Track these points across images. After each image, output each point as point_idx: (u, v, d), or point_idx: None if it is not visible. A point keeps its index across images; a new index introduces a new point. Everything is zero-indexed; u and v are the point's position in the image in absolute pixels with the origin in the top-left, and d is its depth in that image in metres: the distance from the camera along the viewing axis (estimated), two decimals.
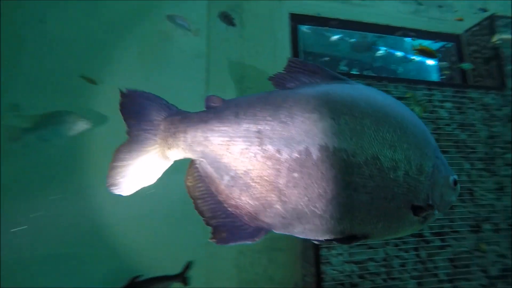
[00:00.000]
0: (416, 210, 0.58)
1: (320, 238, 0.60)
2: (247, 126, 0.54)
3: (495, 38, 4.00)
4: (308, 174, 0.51)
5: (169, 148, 0.59)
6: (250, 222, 0.53)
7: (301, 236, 0.60)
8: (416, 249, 3.23)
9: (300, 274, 3.22)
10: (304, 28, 4.62)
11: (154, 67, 3.27)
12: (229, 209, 0.53)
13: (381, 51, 6.15)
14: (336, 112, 0.53)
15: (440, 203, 0.62)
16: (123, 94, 0.63)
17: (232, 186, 0.54)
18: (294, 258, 3.22)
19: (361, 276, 3.04)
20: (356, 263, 3.05)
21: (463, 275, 3.30)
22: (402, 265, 3.17)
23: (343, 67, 6.01)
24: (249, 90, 3.28)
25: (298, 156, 0.51)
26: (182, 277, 2.66)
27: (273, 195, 0.52)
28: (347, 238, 0.59)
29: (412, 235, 3.24)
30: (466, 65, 4.23)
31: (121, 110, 0.62)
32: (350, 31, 4.52)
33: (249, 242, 0.56)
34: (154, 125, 0.58)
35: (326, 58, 5.71)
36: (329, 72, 0.61)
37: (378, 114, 0.56)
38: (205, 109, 0.63)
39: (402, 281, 3.14)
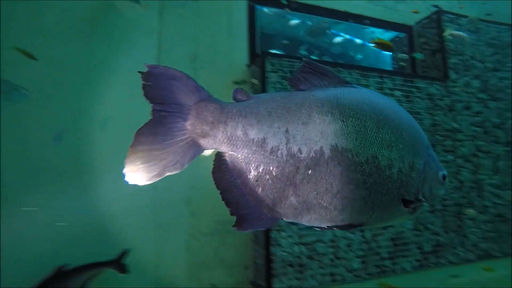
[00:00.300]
0: (406, 203, 0.65)
1: (323, 226, 0.66)
2: (278, 125, 0.58)
3: (447, 33, 4.20)
4: (319, 171, 0.58)
5: (203, 137, 0.57)
6: (268, 213, 0.60)
7: (306, 224, 0.66)
8: (362, 230, 3.41)
9: (251, 256, 3.27)
10: (266, 10, 4.53)
11: (100, 42, 3.03)
12: (252, 201, 0.58)
13: (340, 37, 6.24)
14: (345, 115, 0.59)
15: (429, 196, 0.68)
16: (145, 73, 0.57)
17: (257, 180, 0.58)
18: (245, 240, 3.26)
19: (309, 257, 3.16)
20: (305, 244, 3.15)
21: (401, 252, 3.56)
22: (349, 245, 3.34)
23: (303, 51, 6.02)
24: (201, 70, 3.17)
25: (314, 155, 0.58)
26: (117, 263, 2.54)
27: (290, 189, 0.59)
28: (346, 226, 0.65)
29: None
30: (418, 55, 4.43)
31: (144, 92, 0.56)
32: (310, 15, 4.52)
33: (262, 229, 0.60)
34: (184, 109, 0.55)
35: (286, 41, 5.68)
36: (337, 76, 0.66)
37: (379, 117, 0.63)
38: (233, 101, 0.63)
39: (347, 260, 3.31)
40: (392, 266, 3.50)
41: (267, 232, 3.02)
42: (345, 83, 0.67)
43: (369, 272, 3.40)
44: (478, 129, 4.28)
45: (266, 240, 3.01)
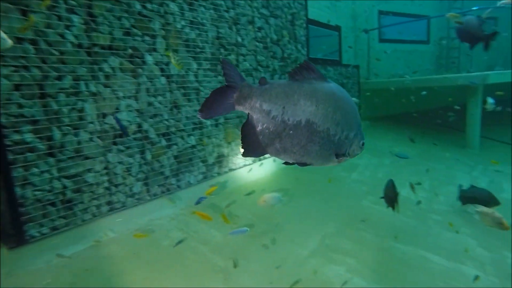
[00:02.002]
0: (338, 156, 1.04)
1: (290, 162, 1.02)
2: (280, 103, 0.94)
3: None
4: (296, 132, 0.96)
5: (238, 104, 0.94)
6: (262, 150, 0.97)
7: (280, 158, 1.01)
8: (142, 152, 3.17)
9: None
10: None
11: None
12: (255, 142, 0.96)
13: None
14: (317, 102, 0.95)
15: (351, 154, 1.07)
16: (222, 61, 0.93)
17: (261, 131, 0.95)
18: None
19: (77, 190, 2.71)
20: (68, 177, 2.66)
21: (186, 168, 3.62)
22: (127, 170, 3.06)
23: None
24: None
25: (295, 123, 0.95)
26: None
27: (277, 139, 0.96)
28: (302, 164, 1.02)
29: (136, 139, 3.13)
30: None
31: (223, 70, 0.93)
32: None
33: (256, 157, 1.06)
34: (236, 86, 0.93)
35: None
36: (320, 73, 0.98)
37: (336, 104, 0.98)
38: (258, 84, 0.96)
39: (127, 185, 3.08)
40: (177, 182, 3.53)
41: (7, 171, 2.32)
42: (323, 79, 0.99)
43: (154, 193, 3.31)
44: (259, 44, 4.53)
45: (5, 181, 2.33)
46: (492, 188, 3.70)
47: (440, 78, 6.70)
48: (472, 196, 2.79)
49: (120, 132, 2.94)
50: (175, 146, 3.48)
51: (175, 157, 3.50)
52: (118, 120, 2.89)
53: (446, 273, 2.72)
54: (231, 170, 4.18)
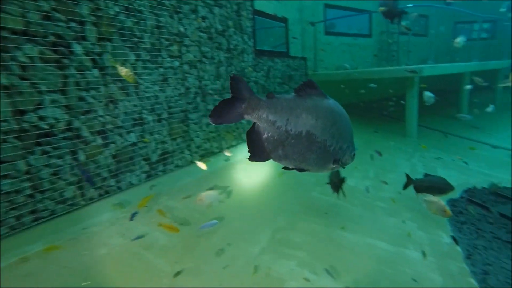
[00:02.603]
0: (333, 163, 1.15)
1: (290, 167, 1.14)
2: (285, 115, 1.05)
3: None
4: (297, 142, 1.08)
5: (247, 114, 1.05)
6: (266, 155, 1.09)
7: (281, 164, 1.12)
8: (73, 152, 2.84)
9: None
10: None
11: None
12: (261, 148, 1.08)
13: None
14: (317, 117, 1.07)
15: (344, 163, 1.18)
16: (231, 77, 1.05)
17: (266, 139, 1.07)
18: None
19: None
20: None
21: (127, 168, 3.34)
22: (55, 173, 2.72)
23: None
24: None
25: (297, 133, 1.06)
26: None
27: (280, 147, 1.08)
28: (300, 169, 1.15)
29: (65, 138, 2.79)
30: None
31: (230, 84, 1.05)
32: None
33: (261, 161, 1.11)
34: (244, 98, 1.06)
35: None
36: (320, 90, 1.10)
37: (334, 119, 1.09)
38: (266, 98, 1.08)
39: (56, 191, 2.74)
40: (116, 184, 3.24)
41: None
42: (324, 96, 1.11)
43: (89, 197, 3.00)
44: (203, 34, 4.32)
45: None
46: (429, 172, 3.94)
47: (383, 70, 7.02)
48: (429, 185, 2.90)
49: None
50: (112, 145, 3.18)
51: (114, 156, 3.20)
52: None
53: (391, 258, 2.81)
54: (177, 167, 3.96)
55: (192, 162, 4.10)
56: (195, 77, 4.17)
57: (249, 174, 4.42)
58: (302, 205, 3.66)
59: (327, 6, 8.58)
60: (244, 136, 4.82)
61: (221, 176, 4.32)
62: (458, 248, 3.03)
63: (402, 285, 2.51)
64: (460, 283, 2.62)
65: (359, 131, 6.80)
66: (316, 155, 1.11)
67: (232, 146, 4.96)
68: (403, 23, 6.37)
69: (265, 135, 1.08)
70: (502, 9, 9.25)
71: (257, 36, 5.84)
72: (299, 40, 7.80)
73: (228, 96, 1.06)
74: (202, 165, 3.70)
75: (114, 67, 3.06)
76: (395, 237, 3.13)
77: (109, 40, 3.13)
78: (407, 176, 3.09)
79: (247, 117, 1.07)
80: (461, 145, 6.48)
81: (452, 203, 3.97)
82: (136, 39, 3.40)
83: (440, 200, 2.67)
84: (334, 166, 1.17)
